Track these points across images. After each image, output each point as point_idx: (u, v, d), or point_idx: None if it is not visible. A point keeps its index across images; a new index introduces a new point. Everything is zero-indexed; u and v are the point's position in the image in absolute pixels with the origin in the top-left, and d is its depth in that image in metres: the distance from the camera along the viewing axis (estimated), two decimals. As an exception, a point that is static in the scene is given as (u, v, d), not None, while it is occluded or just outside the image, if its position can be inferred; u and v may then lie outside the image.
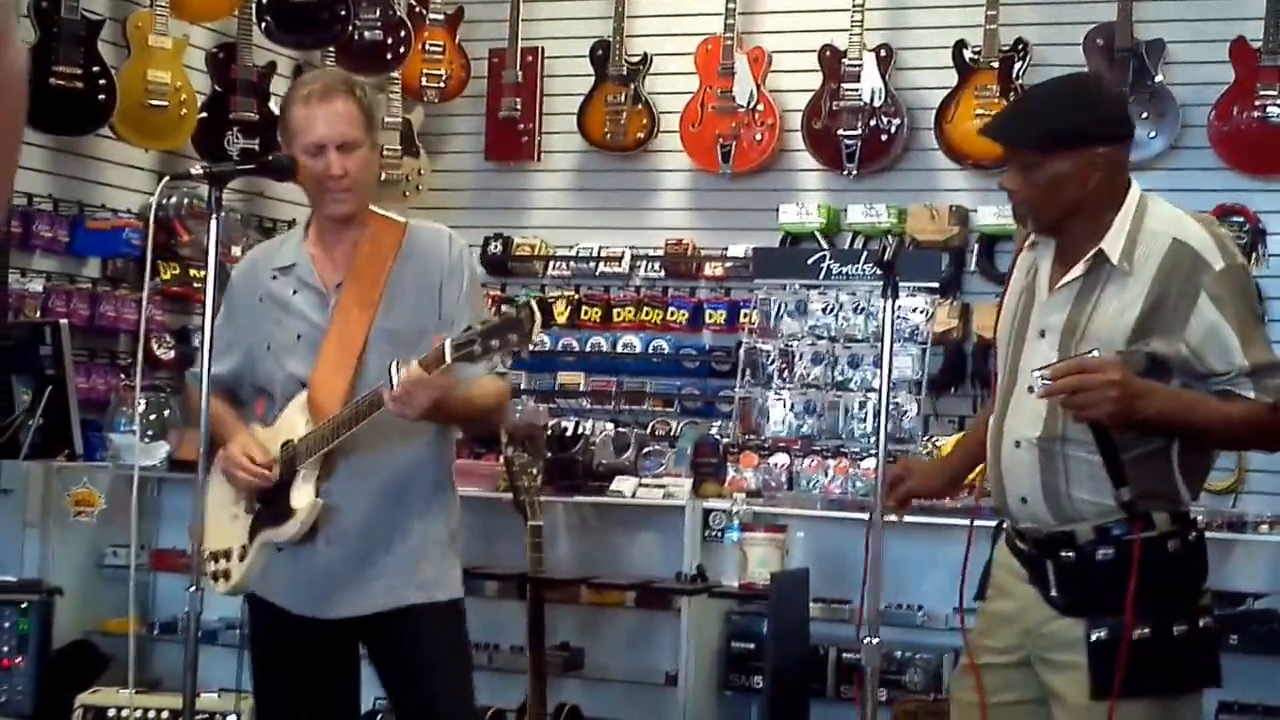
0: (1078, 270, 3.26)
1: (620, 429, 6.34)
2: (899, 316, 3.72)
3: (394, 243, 3.63)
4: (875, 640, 3.42)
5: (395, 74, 6.80)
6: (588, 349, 6.61)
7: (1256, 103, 5.76)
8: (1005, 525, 3.44)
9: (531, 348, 3.34)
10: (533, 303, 3.24)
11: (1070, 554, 3.24)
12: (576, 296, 6.67)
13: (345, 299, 3.59)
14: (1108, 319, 3.20)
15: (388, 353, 3.44)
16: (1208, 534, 5.24)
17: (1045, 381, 3.10)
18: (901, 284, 3.72)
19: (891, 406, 3.85)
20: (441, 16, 6.90)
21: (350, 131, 3.54)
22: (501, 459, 5.39)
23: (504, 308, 3.38)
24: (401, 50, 6.70)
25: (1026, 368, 3.25)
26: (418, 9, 6.83)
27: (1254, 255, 5.78)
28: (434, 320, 3.55)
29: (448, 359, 3.26)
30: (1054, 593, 3.27)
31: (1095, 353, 3.13)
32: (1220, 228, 3.38)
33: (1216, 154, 5.85)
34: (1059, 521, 3.26)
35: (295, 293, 3.64)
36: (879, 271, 3.54)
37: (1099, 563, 3.20)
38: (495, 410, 3.73)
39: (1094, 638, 3.19)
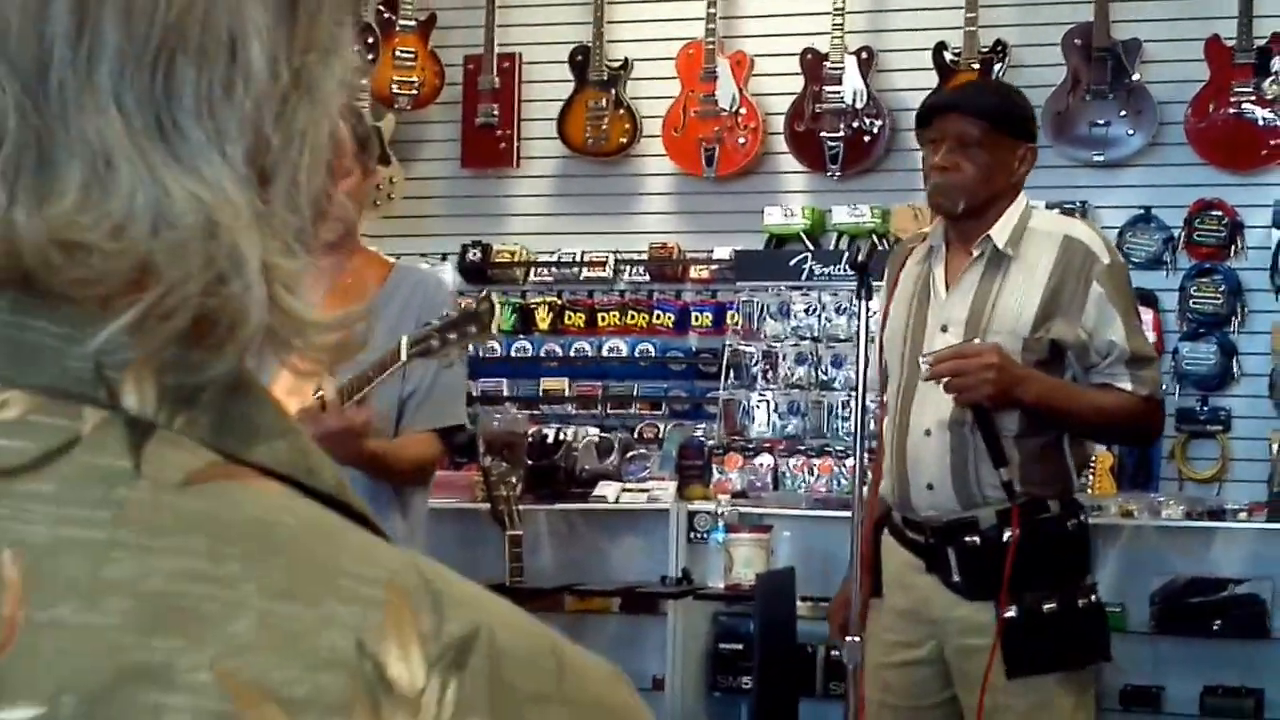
0: (973, 256, 3.45)
1: (604, 434, 6.31)
2: (874, 315, 3.77)
3: (379, 276, 3.60)
4: (858, 639, 3.45)
5: (363, 82, 6.72)
6: (572, 354, 6.56)
7: (1231, 99, 5.79)
8: (889, 520, 3.53)
9: (492, 343, 3.40)
10: (492, 296, 3.29)
11: (974, 538, 3.38)
12: (559, 302, 6.61)
13: None
14: (1010, 310, 3.41)
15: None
16: (1190, 522, 5.47)
17: (930, 365, 3.28)
18: (876, 284, 3.77)
19: (874, 404, 3.87)
20: (413, 22, 6.76)
21: None
22: (479, 469, 5.37)
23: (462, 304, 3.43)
24: (369, 58, 6.58)
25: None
26: (386, 14, 6.75)
27: (1232, 248, 5.83)
28: None
29: (403, 355, 3.28)
30: (956, 578, 3.40)
31: (977, 340, 3.34)
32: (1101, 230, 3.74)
33: (1194, 150, 5.88)
34: (964, 507, 3.39)
35: None
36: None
37: (1006, 544, 3.33)
38: (410, 473, 3.61)
39: (1007, 615, 3.33)
